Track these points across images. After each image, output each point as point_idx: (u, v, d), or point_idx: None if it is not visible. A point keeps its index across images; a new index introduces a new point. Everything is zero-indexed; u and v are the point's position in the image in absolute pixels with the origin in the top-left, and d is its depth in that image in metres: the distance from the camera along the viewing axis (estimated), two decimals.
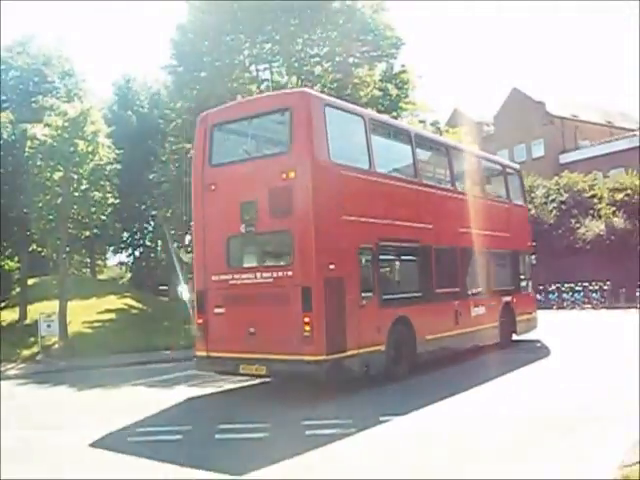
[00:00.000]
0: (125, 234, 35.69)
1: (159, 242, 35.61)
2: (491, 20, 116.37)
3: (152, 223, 34.12)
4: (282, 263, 10.51)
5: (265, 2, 21.54)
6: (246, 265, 11.00)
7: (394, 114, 23.20)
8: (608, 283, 30.18)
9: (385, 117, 16.48)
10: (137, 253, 36.79)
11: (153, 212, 32.03)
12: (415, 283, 12.64)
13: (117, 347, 18.77)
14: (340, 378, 10.14)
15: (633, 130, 48.29)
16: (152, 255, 36.85)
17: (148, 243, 36.35)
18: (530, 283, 17.86)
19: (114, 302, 28.05)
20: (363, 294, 10.68)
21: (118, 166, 22.12)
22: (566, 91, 61.64)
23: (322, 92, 22.66)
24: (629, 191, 33.52)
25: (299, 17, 22.23)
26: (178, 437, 7.78)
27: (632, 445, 6.34)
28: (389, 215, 11.64)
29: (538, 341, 16.79)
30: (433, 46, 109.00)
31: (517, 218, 17.63)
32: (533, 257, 18.13)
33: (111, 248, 36.76)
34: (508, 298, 16.03)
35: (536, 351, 15.15)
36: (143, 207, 33.29)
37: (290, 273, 10.04)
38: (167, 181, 25.71)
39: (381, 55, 24.40)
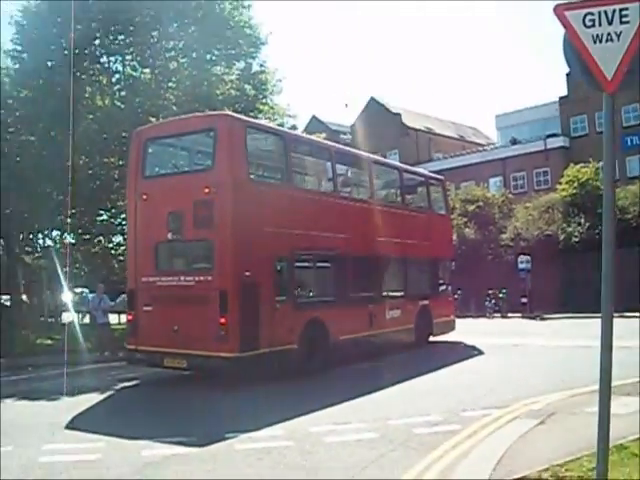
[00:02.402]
0: None
1: None
2: (351, 29, 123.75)
3: None
4: (203, 268, 12.39)
5: None
6: (172, 269, 12.90)
7: (251, 115, 23.21)
8: (459, 292, 32.49)
9: (306, 136, 18.30)
10: None
11: None
12: (330, 288, 14.60)
13: None
14: (254, 372, 11.90)
15: (483, 145, 54.81)
16: None
17: None
18: (449, 288, 20.14)
19: None
20: (278, 298, 12.55)
21: None
22: (421, 105, 68.35)
23: (177, 87, 23.55)
24: (480, 203, 37.44)
25: (155, 8, 22.45)
26: None
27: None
28: (306, 226, 13.43)
29: (461, 343, 18.67)
30: (294, 51, 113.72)
31: (438, 227, 19.83)
32: (452, 263, 20.44)
33: None
34: (425, 302, 18.15)
35: (454, 353, 16.89)
36: None
37: (210, 278, 11.95)
38: (5, 176, 23.91)
39: (239, 53, 25.11)
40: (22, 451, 7.71)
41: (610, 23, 4.72)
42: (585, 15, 4.78)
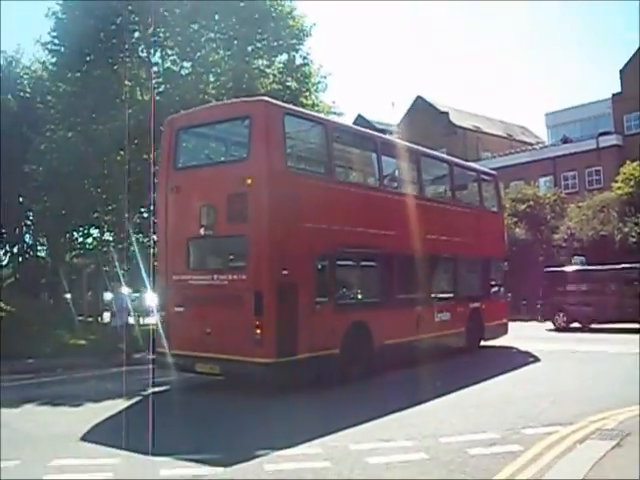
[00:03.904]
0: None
1: (41, 240, 33.91)
2: (397, 27, 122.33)
3: (31, 218, 31.53)
4: (237, 267, 11.47)
5: None
6: (204, 267, 12.04)
7: None
8: (509, 295, 32.30)
9: (350, 125, 17.23)
10: (15, 250, 34.55)
11: (31, 206, 29.13)
12: (375, 289, 13.67)
13: None
14: (291, 380, 10.96)
15: (532, 144, 53.15)
16: (31, 253, 34.91)
17: (28, 240, 34.44)
18: (502, 289, 19.08)
19: None
20: (318, 299, 11.59)
21: None
22: (469, 103, 66.97)
23: (217, 81, 22.95)
24: (531, 202, 36.01)
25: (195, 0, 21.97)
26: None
27: None
28: (349, 222, 12.48)
29: (513, 348, 17.65)
30: (340, 49, 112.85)
31: (490, 224, 18.75)
32: (506, 264, 19.32)
33: None
34: (476, 304, 17.07)
35: (507, 359, 15.92)
36: (20, 200, 29.86)
37: (244, 277, 11.03)
38: (43, 173, 23.83)
39: (282, 46, 24.43)
40: (27, 467, 6.86)
41: None
42: None
